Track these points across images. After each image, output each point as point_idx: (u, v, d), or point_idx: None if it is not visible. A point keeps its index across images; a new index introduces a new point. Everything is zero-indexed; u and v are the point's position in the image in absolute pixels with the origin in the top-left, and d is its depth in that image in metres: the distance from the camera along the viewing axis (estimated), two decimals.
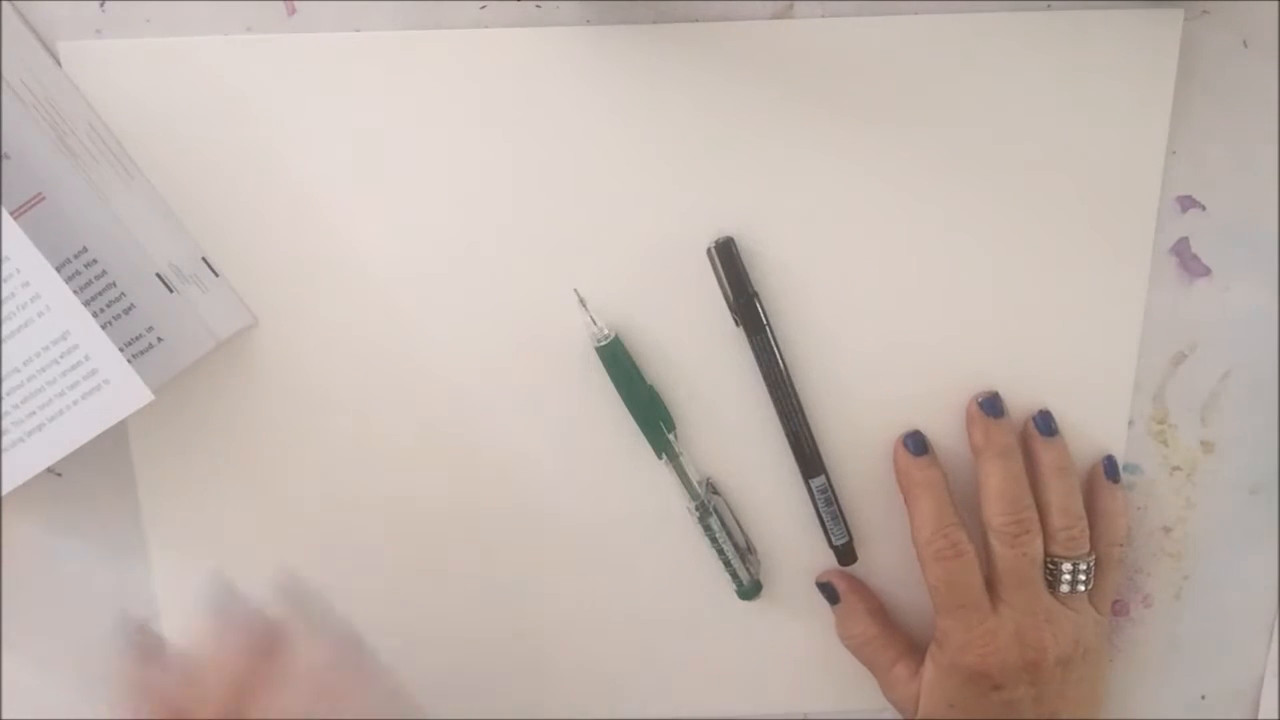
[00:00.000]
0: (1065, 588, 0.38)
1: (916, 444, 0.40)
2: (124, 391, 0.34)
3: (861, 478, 0.41)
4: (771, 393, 0.39)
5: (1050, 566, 0.39)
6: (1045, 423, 0.40)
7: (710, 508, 0.41)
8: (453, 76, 0.37)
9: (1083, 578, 0.39)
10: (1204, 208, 0.39)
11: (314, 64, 0.37)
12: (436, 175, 0.38)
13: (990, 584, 0.39)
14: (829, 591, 0.42)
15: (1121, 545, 0.40)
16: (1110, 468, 0.41)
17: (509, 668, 0.44)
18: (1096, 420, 0.41)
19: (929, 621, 0.40)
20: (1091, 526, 0.40)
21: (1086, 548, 0.39)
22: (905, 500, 0.40)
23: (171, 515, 0.41)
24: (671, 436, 0.40)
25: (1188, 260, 0.40)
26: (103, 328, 0.34)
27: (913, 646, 0.41)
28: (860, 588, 0.42)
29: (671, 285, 0.39)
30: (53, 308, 0.33)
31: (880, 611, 0.42)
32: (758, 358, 0.39)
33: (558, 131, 0.37)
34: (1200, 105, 0.38)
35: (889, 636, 0.41)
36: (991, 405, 0.39)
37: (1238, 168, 0.39)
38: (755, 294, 0.38)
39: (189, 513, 0.41)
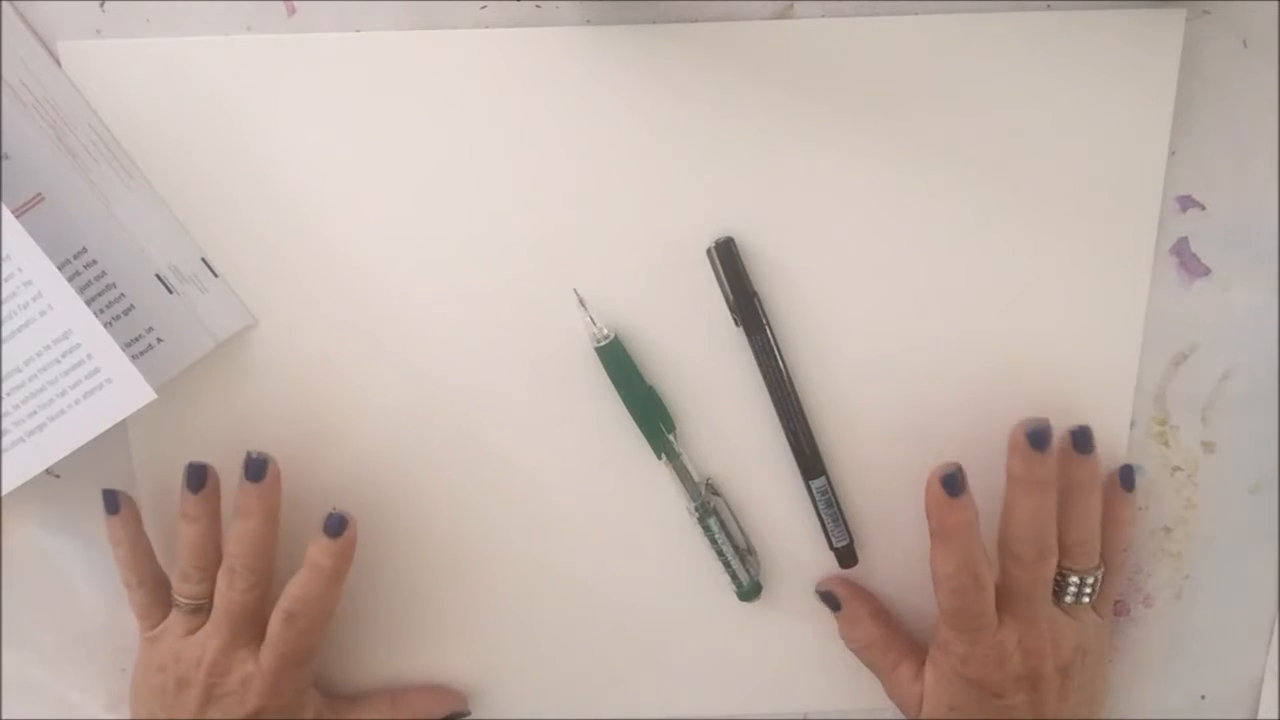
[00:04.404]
0: (1070, 599, 0.38)
1: (954, 485, 0.37)
2: (126, 390, 0.34)
3: (862, 479, 0.41)
4: (771, 393, 0.39)
5: (1058, 578, 0.38)
6: (1083, 440, 0.38)
7: (710, 508, 0.41)
8: (453, 76, 0.37)
9: (1089, 590, 0.38)
10: (1204, 208, 0.39)
11: (314, 64, 0.37)
12: (436, 175, 0.38)
13: (998, 596, 0.38)
14: (830, 600, 0.42)
15: (1125, 550, 0.40)
16: (1126, 477, 0.40)
17: (508, 668, 0.44)
18: (1098, 421, 0.40)
19: (931, 621, 0.40)
20: (1101, 532, 0.40)
21: (1096, 560, 0.39)
22: (932, 534, 0.38)
23: (171, 515, 0.41)
24: (671, 437, 0.40)
25: (1188, 260, 0.40)
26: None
27: (915, 647, 0.41)
28: (861, 592, 0.42)
29: (671, 285, 0.39)
30: (55, 307, 0.33)
31: (883, 614, 0.42)
32: (758, 358, 0.39)
33: (558, 131, 0.37)
34: (1200, 105, 0.38)
35: (892, 638, 0.41)
36: (1038, 437, 0.37)
37: (1238, 168, 0.39)
38: (755, 294, 0.38)
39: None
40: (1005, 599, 0.38)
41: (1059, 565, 0.38)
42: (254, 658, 0.38)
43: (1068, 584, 0.38)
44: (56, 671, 0.43)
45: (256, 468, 0.38)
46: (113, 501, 0.39)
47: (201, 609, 0.38)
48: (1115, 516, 0.40)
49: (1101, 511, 0.40)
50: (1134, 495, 0.40)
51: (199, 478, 0.38)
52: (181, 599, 0.38)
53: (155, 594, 0.40)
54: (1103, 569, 0.39)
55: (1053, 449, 0.37)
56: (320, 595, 0.38)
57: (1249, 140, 0.38)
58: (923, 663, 0.40)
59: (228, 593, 0.38)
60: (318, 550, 0.38)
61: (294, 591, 0.38)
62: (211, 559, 0.38)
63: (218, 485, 0.39)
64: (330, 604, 0.39)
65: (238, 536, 0.38)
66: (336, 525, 0.38)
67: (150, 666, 0.39)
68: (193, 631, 0.38)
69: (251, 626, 0.38)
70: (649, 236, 0.39)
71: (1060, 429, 0.38)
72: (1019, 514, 0.37)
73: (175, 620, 0.39)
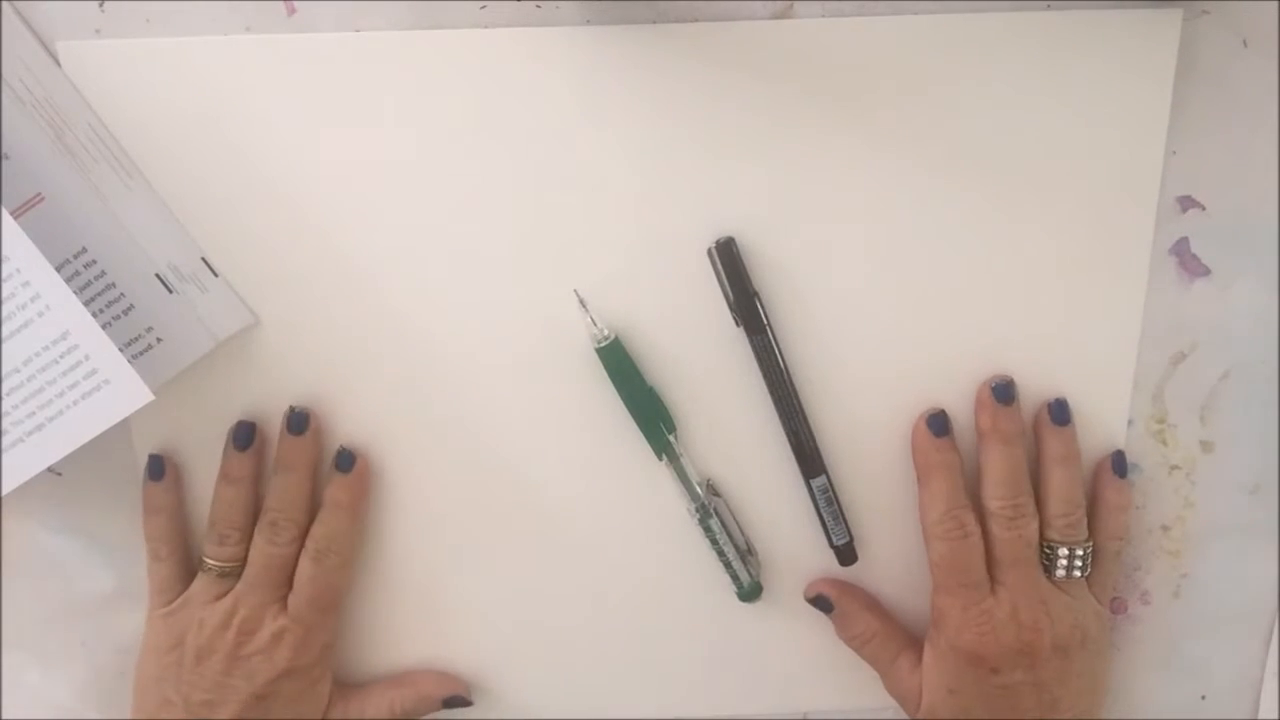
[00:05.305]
0: (1061, 572, 0.39)
1: (939, 425, 0.39)
2: (124, 391, 0.34)
3: (862, 477, 0.41)
4: (772, 393, 0.39)
5: (1046, 551, 0.39)
6: (1059, 412, 0.40)
7: (711, 509, 0.41)
8: (453, 76, 0.37)
9: (1079, 563, 0.39)
10: (1204, 208, 0.39)
11: (314, 64, 0.37)
12: (436, 175, 0.38)
13: (989, 567, 0.39)
14: (822, 603, 0.42)
15: (1120, 539, 0.40)
16: (1118, 463, 0.41)
17: (507, 667, 0.44)
18: (1096, 419, 0.41)
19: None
20: (1093, 518, 0.40)
21: (1084, 534, 0.39)
22: (919, 478, 0.40)
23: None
24: (672, 437, 0.40)
25: (1188, 260, 0.40)
26: (102, 328, 0.34)
27: (914, 641, 0.41)
28: (852, 589, 0.42)
29: (671, 285, 0.39)
30: (53, 307, 0.33)
31: (877, 607, 0.42)
32: (758, 358, 0.39)
33: (558, 131, 0.37)
34: (1200, 105, 0.38)
35: (890, 631, 0.41)
36: (1003, 392, 0.39)
37: (1238, 168, 0.39)
38: (755, 294, 0.38)
39: (188, 513, 0.41)
40: (995, 568, 0.39)
41: (1046, 538, 0.39)
42: (284, 612, 0.39)
43: (1057, 557, 0.39)
44: (56, 672, 0.43)
45: (299, 421, 0.39)
46: (158, 467, 0.40)
47: (231, 573, 0.39)
48: (1108, 502, 0.40)
49: (1094, 497, 0.41)
50: (1127, 482, 0.41)
51: (247, 435, 0.39)
52: (215, 562, 0.39)
53: (180, 567, 0.40)
54: (1091, 543, 0.39)
55: (1018, 405, 0.39)
56: (344, 531, 0.39)
57: (1249, 140, 0.39)
58: (922, 654, 0.40)
59: (266, 547, 0.38)
60: (335, 487, 0.39)
61: (319, 531, 0.39)
62: (249, 522, 0.39)
63: (264, 445, 0.40)
64: (354, 540, 0.40)
65: (280, 489, 0.39)
66: (347, 460, 0.39)
67: (161, 647, 0.39)
68: (219, 597, 0.39)
69: (284, 583, 0.39)
70: (649, 236, 0.39)
71: (1039, 402, 0.40)
72: (990, 468, 0.39)
73: (200, 587, 0.39)
